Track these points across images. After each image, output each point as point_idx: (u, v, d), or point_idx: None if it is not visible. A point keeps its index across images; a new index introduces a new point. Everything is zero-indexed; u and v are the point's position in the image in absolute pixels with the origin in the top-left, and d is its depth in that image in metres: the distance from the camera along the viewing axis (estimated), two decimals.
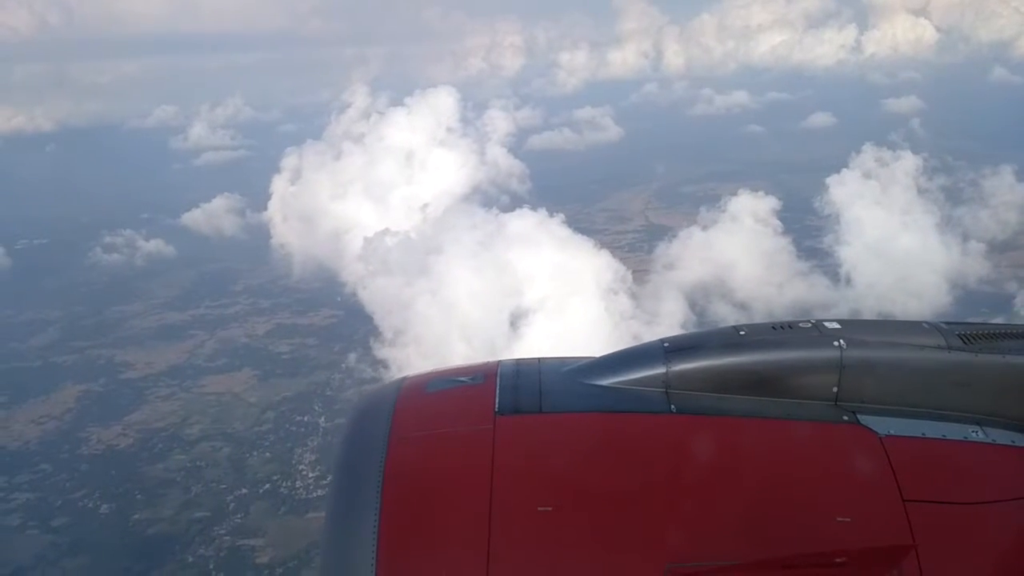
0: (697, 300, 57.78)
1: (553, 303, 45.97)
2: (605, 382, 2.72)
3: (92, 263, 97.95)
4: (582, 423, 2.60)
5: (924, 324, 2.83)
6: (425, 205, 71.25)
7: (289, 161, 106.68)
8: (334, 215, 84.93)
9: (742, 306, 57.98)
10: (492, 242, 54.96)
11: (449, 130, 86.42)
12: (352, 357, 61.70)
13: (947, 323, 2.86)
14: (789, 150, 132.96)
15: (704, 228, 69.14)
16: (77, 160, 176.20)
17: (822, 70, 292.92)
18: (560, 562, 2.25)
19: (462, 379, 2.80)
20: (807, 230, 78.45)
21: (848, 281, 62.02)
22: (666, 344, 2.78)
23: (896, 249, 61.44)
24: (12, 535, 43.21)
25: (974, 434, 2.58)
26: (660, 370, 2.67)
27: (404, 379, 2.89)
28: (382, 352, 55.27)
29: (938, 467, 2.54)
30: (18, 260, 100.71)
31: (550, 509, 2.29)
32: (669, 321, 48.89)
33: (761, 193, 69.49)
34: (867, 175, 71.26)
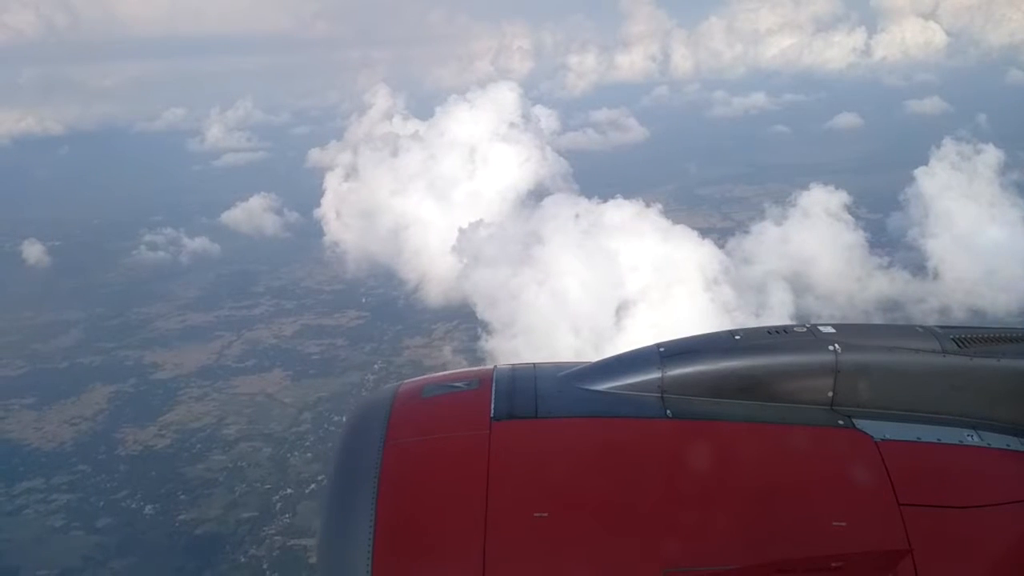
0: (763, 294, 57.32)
1: (657, 293, 45.52)
2: (601, 387, 2.70)
3: (116, 263, 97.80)
4: (578, 428, 2.59)
5: (919, 328, 2.83)
6: (517, 197, 71.15)
7: (342, 158, 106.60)
8: (393, 211, 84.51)
9: (826, 299, 57.76)
10: (593, 232, 54.72)
11: (511, 125, 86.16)
12: (447, 350, 61.28)
13: (942, 327, 2.86)
14: (819, 151, 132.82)
15: (777, 224, 68.87)
16: (95, 162, 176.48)
17: (833, 73, 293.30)
18: (556, 568, 2.25)
19: (457, 384, 2.79)
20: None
21: (936, 275, 61.74)
22: (661, 349, 2.78)
23: (983, 243, 60.72)
24: (56, 536, 42.68)
25: (969, 438, 2.57)
26: (656, 375, 2.67)
27: (400, 384, 2.86)
28: (489, 344, 54.71)
29: (933, 471, 2.53)
30: (41, 261, 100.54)
31: (546, 515, 2.29)
32: (779, 312, 48.48)
33: (831, 188, 69.25)
34: (954, 168, 70.69)
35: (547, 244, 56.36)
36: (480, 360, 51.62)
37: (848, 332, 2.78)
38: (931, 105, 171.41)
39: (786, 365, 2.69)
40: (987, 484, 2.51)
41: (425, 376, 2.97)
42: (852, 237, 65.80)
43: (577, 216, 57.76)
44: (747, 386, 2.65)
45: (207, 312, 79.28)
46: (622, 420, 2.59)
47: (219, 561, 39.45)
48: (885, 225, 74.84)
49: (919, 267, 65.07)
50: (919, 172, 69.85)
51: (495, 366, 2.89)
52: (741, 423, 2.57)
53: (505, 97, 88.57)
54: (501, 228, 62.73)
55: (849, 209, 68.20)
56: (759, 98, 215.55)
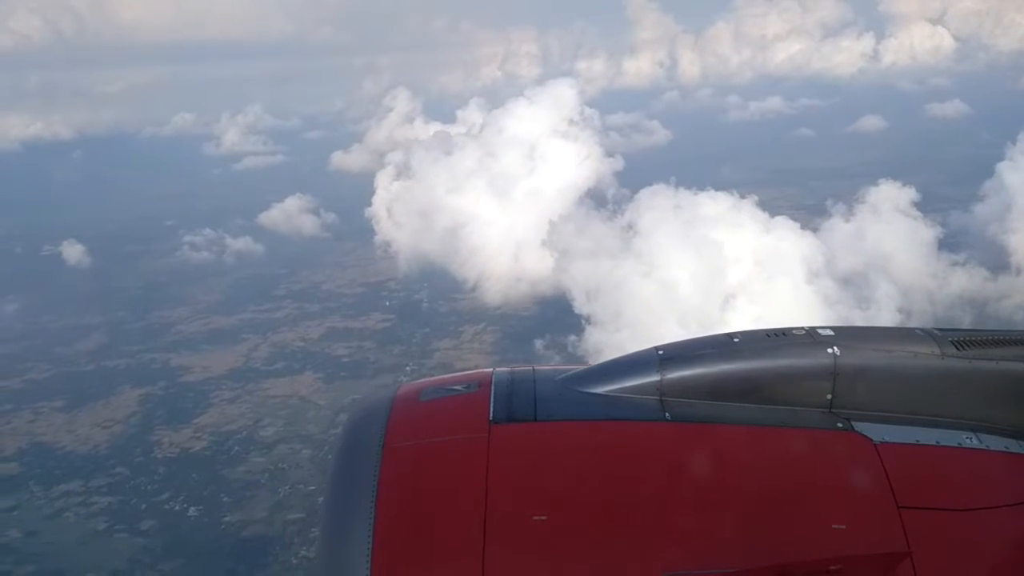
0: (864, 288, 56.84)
1: (760, 286, 45.23)
2: (600, 390, 2.72)
3: (134, 266, 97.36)
4: (577, 431, 2.61)
5: (918, 331, 2.86)
6: (608, 190, 70.97)
7: (392, 156, 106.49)
8: (450, 210, 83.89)
9: (907, 295, 57.15)
10: (693, 223, 54.32)
11: (571, 122, 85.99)
12: (538, 344, 60.78)
13: (940, 330, 2.87)
14: (847, 153, 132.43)
15: (846, 220, 68.23)
16: (111, 165, 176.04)
17: (844, 78, 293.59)
18: (555, 571, 2.26)
19: (456, 387, 2.79)
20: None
21: (1019, 271, 61.38)
22: (660, 352, 2.79)
23: None
24: (101, 539, 42.22)
25: (968, 441, 2.59)
26: (655, 378, 2.69)
27: (398, 388, 2.86)
28: (593, 337, 54.26)
29: (932, 474, 2.55)
30: (60, 263, 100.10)
31: (545, 518, 2.29)
32: (886, 306, 48.02)
33: (898, 185, 68.52)
34: None
35: (646, 236, 56.36)
36: (578, 357, 51.27)
37: (847, 335, 2.79)
38: (952, 109, 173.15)
39: (785, 368, 2.70)
40: (986, 487, 2.51)
41: (423, 379, 2.98)
42: (922, 234, 64.92)
43: (677, 207, 57.39)
44: (746, 389, 2.66)
45: (230, 315, 78.81)
46: (621, 423, 2.58)
47: (270, 563, 39.04)
48: (945, 223, 74.39)
49: (996, 264, 64.47)
50: (1001, 167, 69.45)
51: (494, 369, 2.87)
52: (740, 426, 2.57)
53: (564, 94, 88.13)
54: (592, 220, 62.53)
55: (918, 207, 67.34)
56: (776, 102, 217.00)
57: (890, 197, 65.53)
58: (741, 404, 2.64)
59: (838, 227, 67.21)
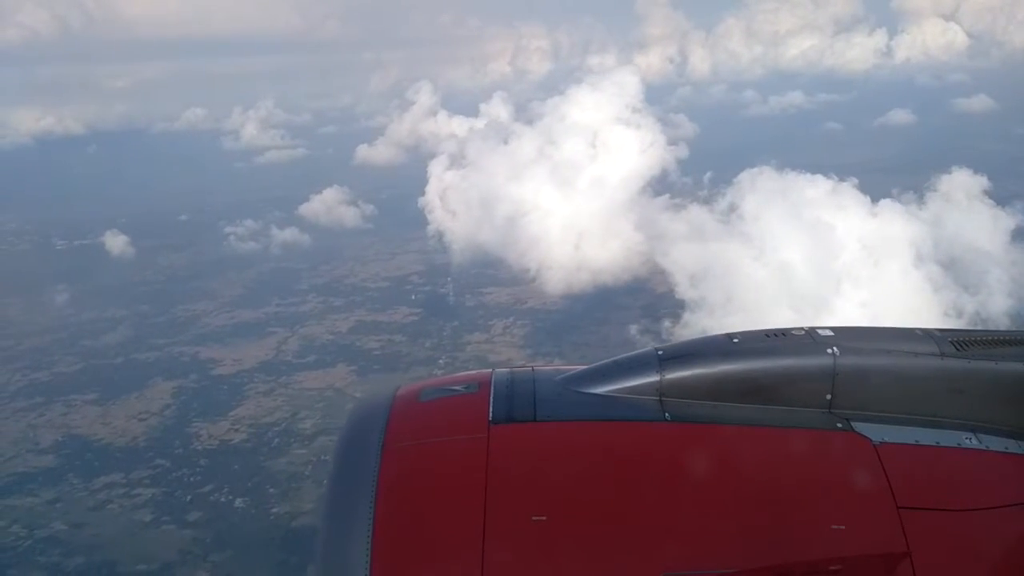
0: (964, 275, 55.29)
1: (866, 271, 44.67)
2: (599, 390, 2.72)
3: (154, 262, 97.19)
4: (576, 432, 2.61)
5: (917, 331, 2.87)
6: (708, 174, 69.58)
7: (447, 146, 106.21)
8: (508, 198, 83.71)
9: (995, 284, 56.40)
10: (799, 206, 53.75)
11: (634, 110, 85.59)
12: (633, 329, 60.24)
13: (940, 330, 2.88)
14: (882, 147, 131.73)
15: (920, 207, 66.82)
16: (130, 160, 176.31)
17: (858, 74, 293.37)
18: (555, 571, 2.26)
19: (456, 388, 2.79)
20: None
21: None
22: (660, 352, 2.80)
23: None
24: (148, 530, 41.90)
25: (968, 441, 2.59)
26: (654, 378, 2.69)
27: (398, 388, 2.85)
28: (701, 322, 53.82)
29: (932, 474, 2.55)
30: (81, 257, 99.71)
31: (545, 518, 2.29)
32: (998, 291, 47.17)
33: (970, 171, 67.52)
34: None
35: (753, 219, 56.22)
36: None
37: (847, 335, 2.79)
38: (979, 103, 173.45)
39: (784, 368, 2.70)
40: (986, 487, 2.52)
41: (423, 380, 2.97)
42: (1001, 223, 62.62)
43: (784, 190, 56.81)
44: (746, 389, 2.66)
45: (255, 309, 78.59)
46: (621, 423, 2.59)
47: None
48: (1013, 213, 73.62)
49: None
50: None
51: (493, 369, 2.87)
52: (740, 426, 2.58)
53: (625, 81, 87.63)
54: (691, 205, 62.09)
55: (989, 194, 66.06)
56: (796, 97, 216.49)
57: (962, 185, 64.45)
58: (741, 404, 2.63)
59: (914, 215, 64.20)
